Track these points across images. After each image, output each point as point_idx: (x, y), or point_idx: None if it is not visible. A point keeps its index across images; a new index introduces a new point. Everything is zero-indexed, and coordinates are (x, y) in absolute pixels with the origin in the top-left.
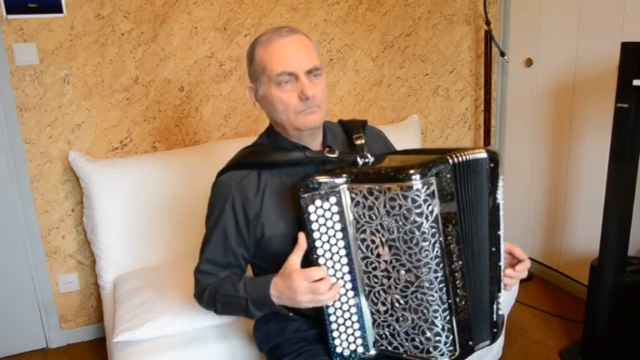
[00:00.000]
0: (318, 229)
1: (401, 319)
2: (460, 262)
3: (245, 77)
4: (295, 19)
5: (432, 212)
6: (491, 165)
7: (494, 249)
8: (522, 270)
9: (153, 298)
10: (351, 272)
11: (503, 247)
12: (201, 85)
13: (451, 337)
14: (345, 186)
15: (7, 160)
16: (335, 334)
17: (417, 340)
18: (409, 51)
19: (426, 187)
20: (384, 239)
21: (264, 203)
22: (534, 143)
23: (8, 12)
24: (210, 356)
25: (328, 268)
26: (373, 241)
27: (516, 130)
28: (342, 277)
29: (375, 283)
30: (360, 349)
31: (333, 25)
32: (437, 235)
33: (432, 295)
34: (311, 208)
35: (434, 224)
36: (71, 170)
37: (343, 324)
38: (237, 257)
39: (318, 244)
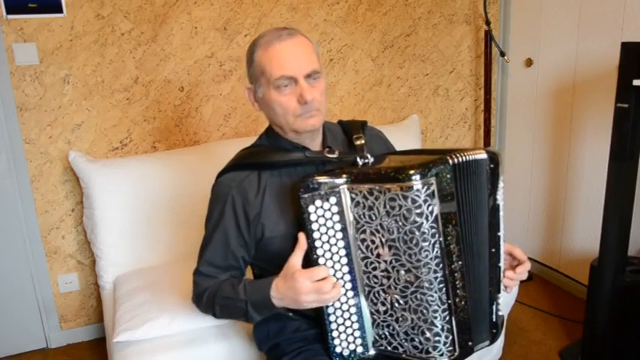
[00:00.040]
0: (318, 230)
1: (400, 319)
2: (460, 263)
3: (245, 77)
4: (295, 19)
5: (431, 212)
6: (492, 166)
7: (494, 250)
8: (522, 272)
9: (153, 298)
10: (350, 272)
11: (503, 247)
12: (201, 85)
13: (450, 338)
14: (345, 186)
15: (7, 160)
16: (334, 333)
17: (417, 340)
18: (409, 51)
19: (425, 187)
20: (384, 239)
21: (265, 204)
22: (534, 143)
23: (8, 12)
24: (210, 356)
25: (328, 268)
26: (373, 242)
27: (516, 130)
28: (341, 277)
29: (375, 283)
30: (360, 349)
31: (333, 25)
32: (437, 236)
33: (432, 296)
34: (311, 209)
35: (434, 224)
36: (71, 170)
37: (343, 324)
38: (237, 259)
39: (318, 244)
